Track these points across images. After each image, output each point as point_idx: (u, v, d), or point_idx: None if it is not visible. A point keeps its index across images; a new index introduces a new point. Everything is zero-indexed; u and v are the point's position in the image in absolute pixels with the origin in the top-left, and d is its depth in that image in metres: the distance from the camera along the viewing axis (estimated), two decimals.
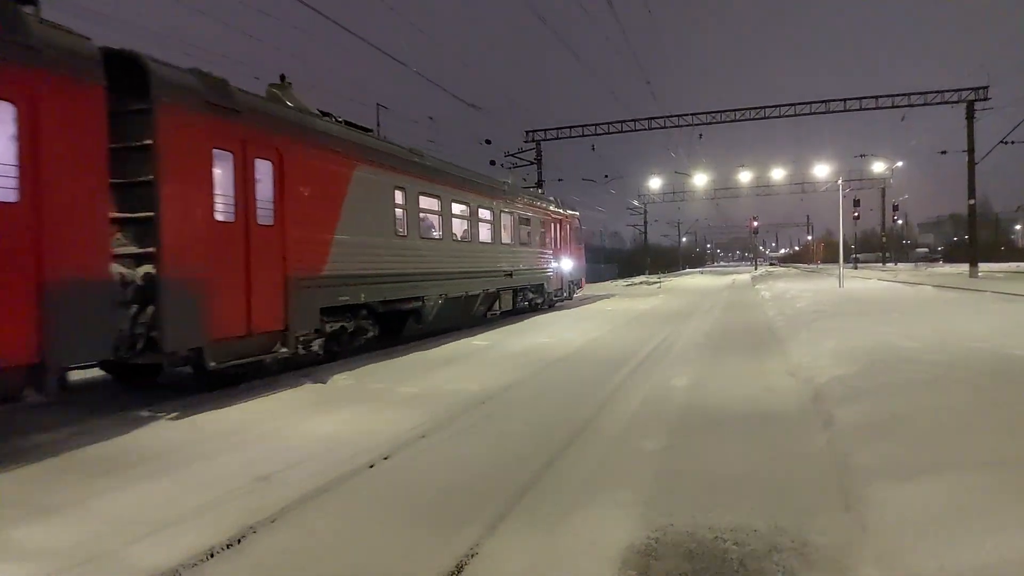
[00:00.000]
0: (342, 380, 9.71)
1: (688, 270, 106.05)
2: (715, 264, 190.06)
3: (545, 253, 21.26)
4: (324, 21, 12.71)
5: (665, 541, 4.03)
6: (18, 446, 6.25)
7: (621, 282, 53.86)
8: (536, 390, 8.94)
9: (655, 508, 4.56)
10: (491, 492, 5.02)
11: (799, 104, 36.56)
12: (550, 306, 22.73)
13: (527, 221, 19.65)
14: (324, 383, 9.44)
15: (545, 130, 41.59)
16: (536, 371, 10.41)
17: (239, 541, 4.22)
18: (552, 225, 22.19)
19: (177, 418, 7.28)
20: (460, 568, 3.82)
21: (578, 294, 27.59)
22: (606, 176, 49.33)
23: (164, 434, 6.74)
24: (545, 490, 5.08)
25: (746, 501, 4.63)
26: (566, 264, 23.68)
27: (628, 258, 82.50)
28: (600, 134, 41.09)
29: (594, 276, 51.38)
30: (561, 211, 23.39)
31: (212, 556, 4.01)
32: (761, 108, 37.54)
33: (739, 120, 37.84)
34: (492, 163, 40.58)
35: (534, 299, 20.78)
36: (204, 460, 5.89)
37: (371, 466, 5.73)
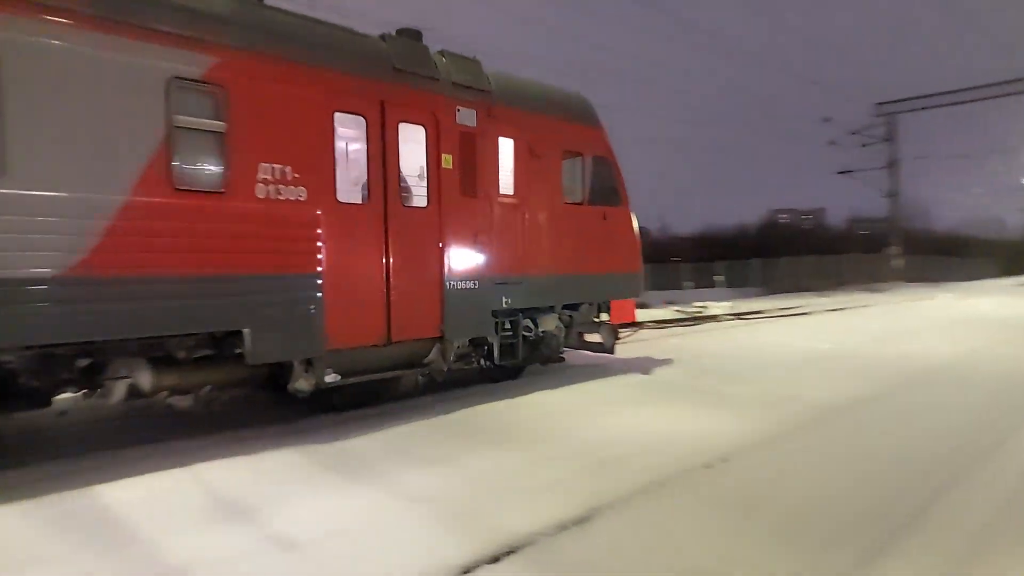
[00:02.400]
0: (666, 374, 9.64)
1: None
2: None
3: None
4: None
5: None
6: (392, 408, 7.52)
7: (1007, 281, 43.68)
8: (900, 406, 7.66)
9: None
10: (856, 519, 4.39)
11: None
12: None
13: None
14: (647, 374, 9.51)
15: (899, 100, 35.95)
16: (900, 383, 8.97)
17: (586, 520, 4.37)
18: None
19: (501, 398, 7.95)
20: None
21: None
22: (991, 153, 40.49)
23: (499, 412, 7.42)
24: (928, 529, 4.25)
25: None
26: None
27: (1016, 250, 66.60)
28: (975, 100, 34.05)
29: (967, 272, 42.41)
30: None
31: (563, 529, 4.22)
32: None
33: None
34: (832, 143, 36.58)
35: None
36: (545, 439, 6.29)
37: (708, 466, 5.49)
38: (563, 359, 9.48)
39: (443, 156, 7.49)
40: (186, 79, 5.49)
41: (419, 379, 8.14)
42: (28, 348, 4.99)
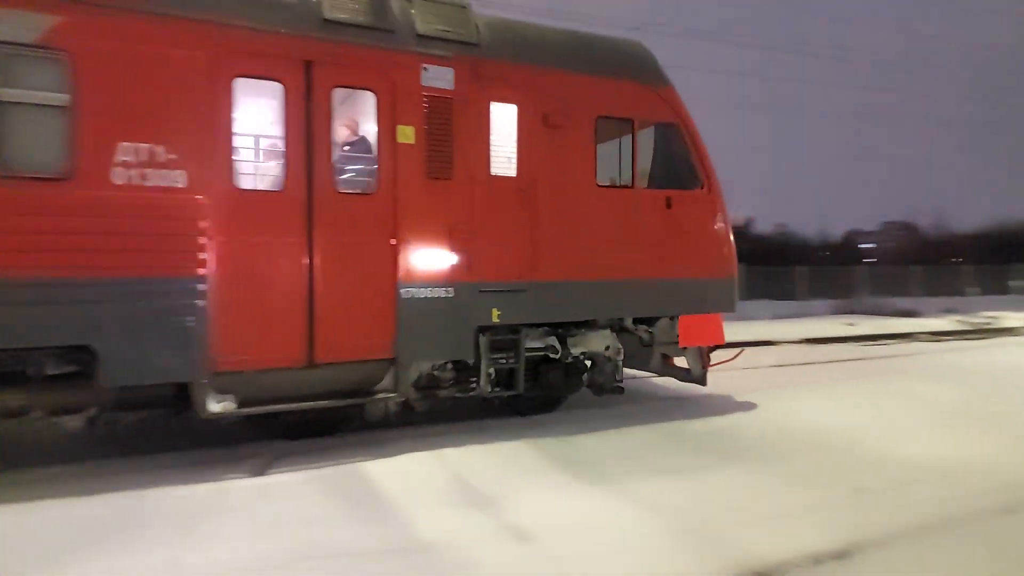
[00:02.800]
0: (943, 392, 8.18)
1: None
2: None
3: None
4: None
5: None
6: (629, 410, 7.34)
7: None
8: None
9: None
10: None
11: None
12: None
13: None
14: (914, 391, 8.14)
15: None
16: None
17: (846, 555, 3.83)
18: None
19: (747, 410, 7.35)
20: None
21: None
22: None
23: (745, 425, 6.85)
24: None
25: None
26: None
27: None
28: None
29: None
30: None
31: (818, 563, 3.75)
32: None
33: None
34: None
35: None
36: (794, 457, 5.68)
37: (1009, 512, 4.50)
38: (621, 389, 7.34)
39: (399, 128, 5.90)
40: (12, 44, 4.60)
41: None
42: None
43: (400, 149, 5.92)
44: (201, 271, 5.12)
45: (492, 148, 6.35)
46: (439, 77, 6.09)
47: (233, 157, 5.42)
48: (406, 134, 5.94)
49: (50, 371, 4.91)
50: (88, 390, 4.98)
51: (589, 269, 6.70)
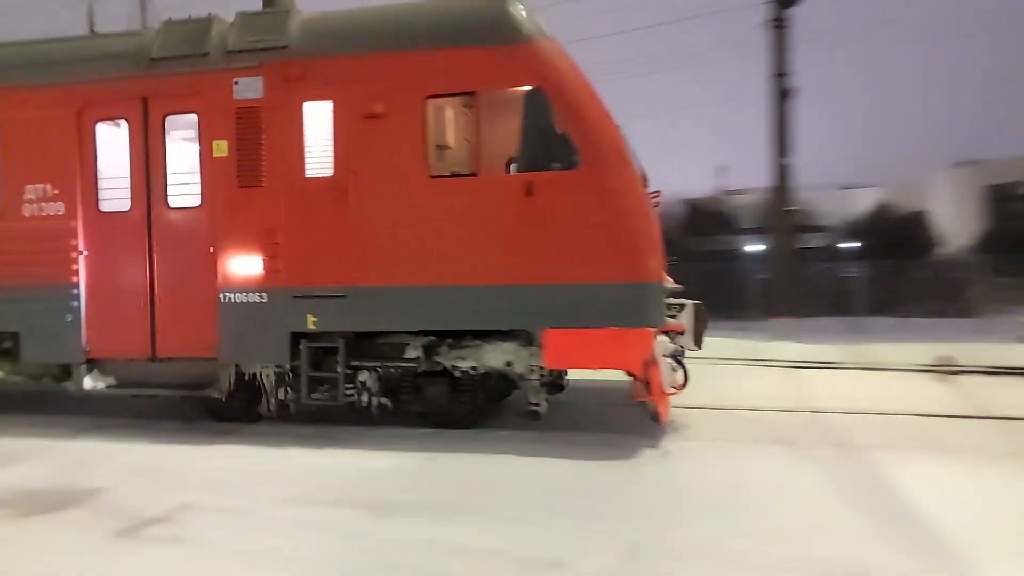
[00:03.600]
0: None
1: None
2: None
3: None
4: None
5: None
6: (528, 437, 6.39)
7: None
8: None
9: None
10: None
11: None
12: None
13: None
14: None
15: None
16: None
17: None
18: None
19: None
20: None
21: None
22: None
23: None
24: None
25: None
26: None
27: None
28: None
29: None
30: None
31: None
32: None
33: None
34: None
35: None
36: None
37: None
38: (534, 413, 6.13)
39: (215, 143, 6.40)
40: None
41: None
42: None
43: (216, 163, 6.47)
44: (76, 279, 6.75)
45: (306, 150, 6.28)
46: (249, 88, 6.37)
47: (98, 186, 6.83)
48: (221, 148, 6.45)
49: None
50: (17, 363, 7.03)
51: (423, 273, 6.04)
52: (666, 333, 6.17)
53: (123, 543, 3.97)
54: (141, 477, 5.17)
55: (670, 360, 6.10)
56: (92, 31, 7.82)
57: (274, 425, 6.71)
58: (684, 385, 6.29)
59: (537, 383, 6.11)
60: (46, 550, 3.87)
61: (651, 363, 5.74)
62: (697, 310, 6.60)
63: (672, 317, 6.37)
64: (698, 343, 6.67)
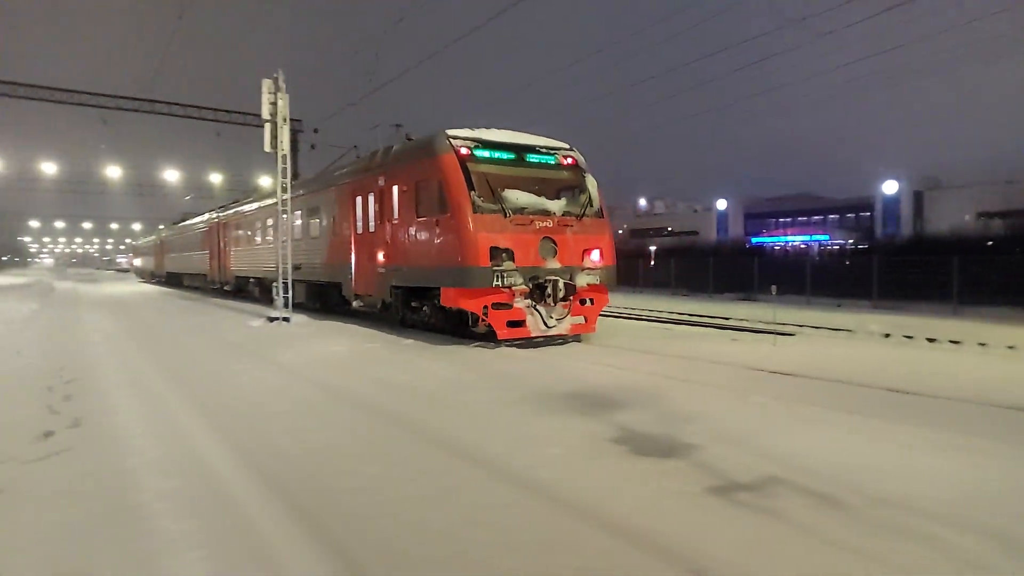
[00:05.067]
0: None
1: None
2: None
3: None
4: None
5: None
6: None
7: None
8: None
9: None
10: None
11: None
12: None
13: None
14: None
15: None
16: None
17: None
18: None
19: None
20: None
21: None
22: None
23: None
24: None
25: None
26: None
27: None
28: None
29: None
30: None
31: None
32: None
33: None
34: None
35: None
36: None
37: None
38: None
39: (372, 204, 14.12)
40: None
41: None
42: None
43: (375, 212, 13.88)
44: (350, 260, 14.61)
45: (394, 206, 13.10)
46: (380, 181, 13.73)
47: (355, 221, 14.70)
48: (373, 206, 14.06)
49: None
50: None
51: (418, 260, 12.35)
52: (539, 293, 10.83)
53: (714, 500, 4.07)
54: (730, 443, 5.27)
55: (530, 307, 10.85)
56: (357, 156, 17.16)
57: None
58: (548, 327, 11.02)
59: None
60: (652, 492, 4.26)
61: (491, 308, 10.61)
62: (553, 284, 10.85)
63: (542, 288, 10.82)
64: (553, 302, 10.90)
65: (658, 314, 18.62)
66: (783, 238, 56.73)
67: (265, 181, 44.91)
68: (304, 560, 3.25)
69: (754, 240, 55.02)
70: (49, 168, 46.92)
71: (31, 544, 3.45)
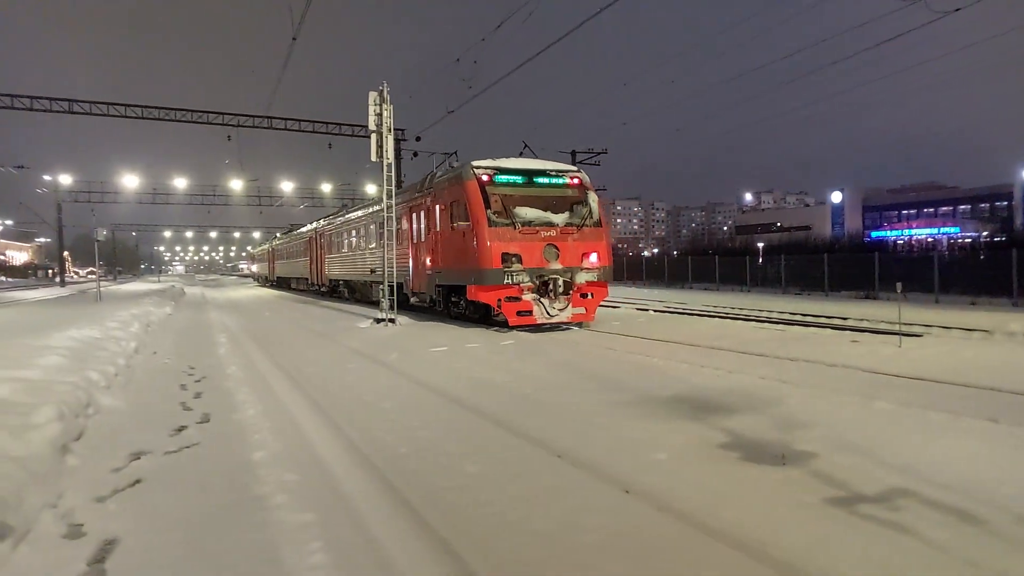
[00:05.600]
0: None
1: None
2: None
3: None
4: None
5: None
6: None
7: None
8: None
9: None
10: None
11: None
12: None
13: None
14: None
15: None
16: None
17: None
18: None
19: None
20: None
21: None
22: None
23: None
24: None
25: None
26: None
27: None
28: None
29: None
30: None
31: None
32: None
33: None
34: None
35: None
36: None
37: None
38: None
39: (420, 220, 17.45)
40: None
41: None
42: None
43: (423, 225, 17.41)
44: (407, 263, 18.02)
45: (436, 220, 16.38)
46: (427, 202, 16.93)
47: (413, 232, 17.85)
48: (423, 221, 17.43)
49: None
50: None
51: (450, 263, 15.52)
52: (543, 288, 13.51)
53: (835, 511, 3.81)
54: (852, 451, 4.93)
55: (536, 300, 13.44)
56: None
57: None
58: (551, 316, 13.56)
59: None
60: (767, 502, 4.05)
61: (504, 301, 13.31)
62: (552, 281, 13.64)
63: (546, 284, 13.56)
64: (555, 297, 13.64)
65: (768, 314, 17.78)
66: (907, 231, 52.73)
67: (370, 189, 47.36)
68: (415, 557, 3.33)
69: (873, 234, 51.50)
70: (180, 182, 51.36)
71: (170, 528, 3.75)
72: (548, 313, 13.45)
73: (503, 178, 14.20)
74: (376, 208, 20.08)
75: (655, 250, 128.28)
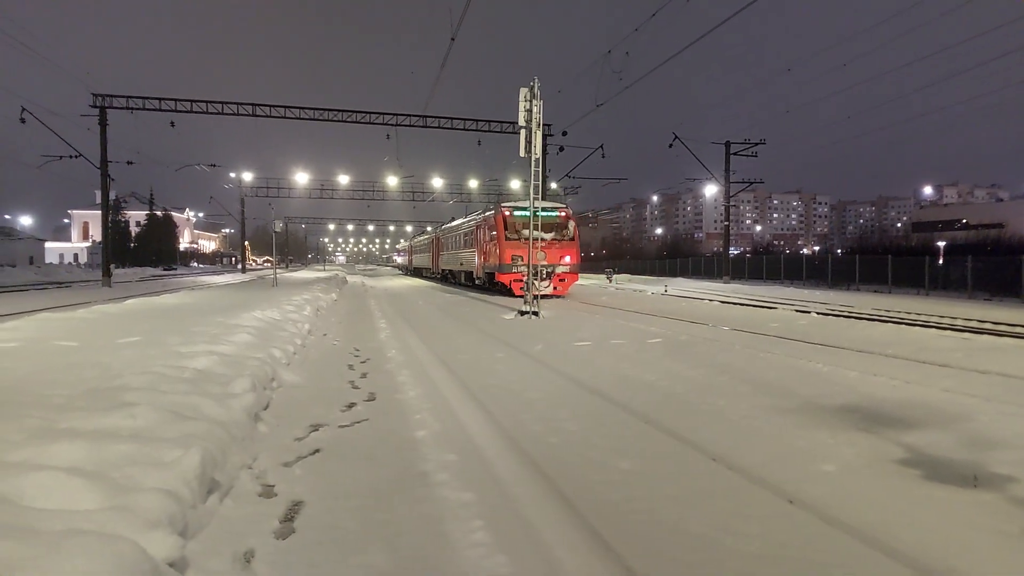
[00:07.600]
0: None
1: None
2: None
3: None
4: None
5: None
6: None
7: None
8: None
9: None
10: None
11: None
12: None
13: None
14: None
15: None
16: None
17: None
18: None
19: None
20: None
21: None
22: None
23: None
24: None
25: None
26: None
27: None
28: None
29: None
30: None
31: None
32: None
33: None
34: None
35: None
36: None
37: None
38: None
39: (478, 234, 29.07)
40: None
41: None
42: None
43: (479, 236, 29.70)
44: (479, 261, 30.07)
45: (490, 234, 26.98)
46: (486, 225, 28.83)
47: (478, 241, 29.73)
48: (482, 235, 29.06)
49: None
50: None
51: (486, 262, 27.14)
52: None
53: None
54: None
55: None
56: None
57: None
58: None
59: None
60: (954, 525, 3.66)
61: (513, 281, 23.22)
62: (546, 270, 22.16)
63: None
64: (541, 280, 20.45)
65: (952, 321, 15.97)
66: None
67: (514, 185, 48.76)
68: (572, 545, 3.38)
69: None
70: (343, 179, 55.52)
71: (347, 495, 4.10)
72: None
73: (517, 212, 24.02)
74: (460, 221, 35.52)
75: (815, 248, 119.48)
